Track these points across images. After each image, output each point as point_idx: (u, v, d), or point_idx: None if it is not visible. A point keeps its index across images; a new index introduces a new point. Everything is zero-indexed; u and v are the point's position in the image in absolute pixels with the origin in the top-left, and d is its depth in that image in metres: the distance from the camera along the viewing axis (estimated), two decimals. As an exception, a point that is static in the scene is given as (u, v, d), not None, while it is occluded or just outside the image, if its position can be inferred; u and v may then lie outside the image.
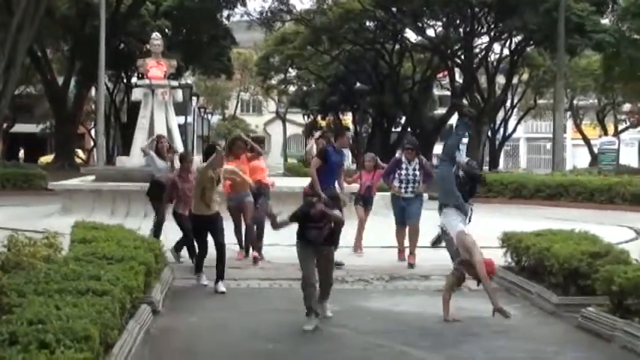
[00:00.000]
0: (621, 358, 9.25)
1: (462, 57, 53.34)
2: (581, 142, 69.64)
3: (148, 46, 27.10)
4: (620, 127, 70.02)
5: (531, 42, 50.83)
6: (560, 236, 13.09)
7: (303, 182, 16.12)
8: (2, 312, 7.52)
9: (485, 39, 53.83)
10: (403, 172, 15.26)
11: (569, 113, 66.84)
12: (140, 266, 10.26)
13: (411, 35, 56.57)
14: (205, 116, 73.92)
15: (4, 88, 38.22)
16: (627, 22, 45.62)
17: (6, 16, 38.98)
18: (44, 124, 68.30)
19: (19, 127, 67.43)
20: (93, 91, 55.35)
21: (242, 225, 15.26)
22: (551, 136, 47.64)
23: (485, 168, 53.14)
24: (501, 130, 61.04)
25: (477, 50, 54.34)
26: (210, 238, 13.05)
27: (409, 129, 58.86)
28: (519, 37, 52.07)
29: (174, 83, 26.27)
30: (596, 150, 51.77)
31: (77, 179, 25.37)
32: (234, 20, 58.70)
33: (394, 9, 51.37)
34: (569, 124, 73.02)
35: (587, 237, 13.00)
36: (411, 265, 14.88)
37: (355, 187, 16.79)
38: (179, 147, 25.05)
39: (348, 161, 15.35)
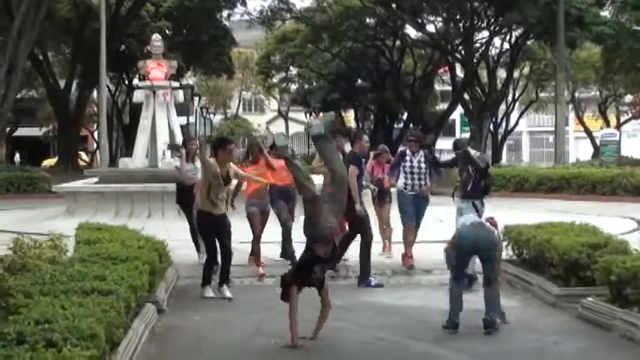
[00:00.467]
0: (620, 347, 9.38)
1: (463, 52, 53.41)
2: (584, 134, 69.63)
3: (149, 48, 27.22)
4: (622, 119, 70.05)
5: (531, 35, 50.92)
6: (560, 228, 13.19)
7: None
8: (9, 312, 7.63)
9: (486, 33, 53.93)
10: (407, 164, 14.42)
11: (570, 106, 66.87)
12: (144, 266, 10.37)
13: (411, 31, 56.79)
14: (207, 116, 74.00)
15: (6, 92, 38.49)
16: (627, 14, 45.64)
17: (7, 21, 39.28)
18: (47, 127, 68.49)
19: (22, 131, 67.57)
20: (95, 93, 55.49)
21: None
22: (553, 129, 47.64)
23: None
24: (503, 123, 61.09)
25: (478, 45, 54.41)
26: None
27: (411, 124, 58.97)
28: (519, 31, 52.18)
29: (176, 84, 26.36)
30: (598, 142, 51.82)
31: (81, 181, 25.50)
32: (234, 20, 58.85)
33: (394, 5, 51.45)
34: (571, 116, 73.05)
35: (587, 229, 13.11)
36: (411, 267, 14.42)
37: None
38: (182, 149, 25.21)
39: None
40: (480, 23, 52.25)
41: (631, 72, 50.98)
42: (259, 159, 14.41)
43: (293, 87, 72.41)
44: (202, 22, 54.03)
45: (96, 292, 8.39)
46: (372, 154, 16.14)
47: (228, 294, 12.23)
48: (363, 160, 14.37)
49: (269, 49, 63.20)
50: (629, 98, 67.39)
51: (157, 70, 25.14)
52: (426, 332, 10.09)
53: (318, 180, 12.86)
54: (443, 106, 65.62)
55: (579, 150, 76.39)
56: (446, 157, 14.98)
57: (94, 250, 11.10)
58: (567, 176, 32.79)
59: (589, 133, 66.70)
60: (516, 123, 62.88)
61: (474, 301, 11.75)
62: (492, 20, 51.76)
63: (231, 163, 12.64)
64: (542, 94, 66.30)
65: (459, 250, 10.35)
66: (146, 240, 12.49)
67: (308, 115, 73.88)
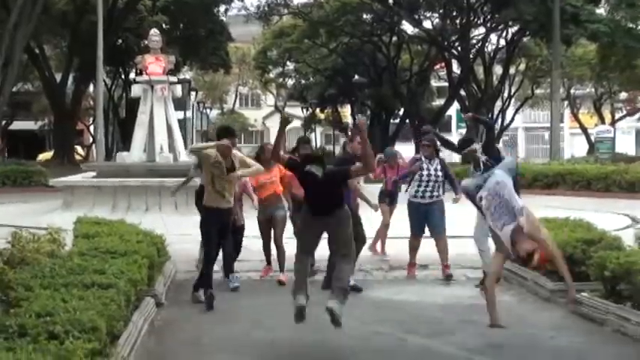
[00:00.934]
0: (614, 341, 9.51)
1: (459, 48, 53.55)
2: (579, 130, 69.77)
3: (147, 42, 27.28)
4: (616, 116, 70.19)
5: (527, 32, 51.09)
6: (555, 224, 13.30)
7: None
8: (10, 305, 7.72)
9: (482, 30, 54.09)
10: (425, 172, 13.56)
11: (566, 102, 67.06)
12: (144, 260, 10.47)
13: (408, 27, 56.91)
14: (204, 111, 74.05)
15: (2, 86, 38.54)
16: (622, 12, 45.82)
17: (3, 14, 39.29)
18: (42, 120, 68.45)
19: (17, 125, 67.51)
20: (91, 87, 55.50)
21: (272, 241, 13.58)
22: (548, 125, 47.82)
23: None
24: (499, 120, 61.19)
25: (474, 41, 54.58)
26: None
27: (407, 120, 59.08)
28: (515, 28, 52.35)
29: (173, 79, 26.44)
30: (593, 139, 51.99)
31: (78, 175, 25.56)
32: (231, 14, 59.04)
33: (391, 1, 51.64)
34: (567, 113, 73.21)
35: (581, 224, 13.23)
36: (449, 277, 13.49)
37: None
38: (179, 143, 25.32)
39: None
40: (476, 20, 52.41)
41: (626, 69, 51.19)
42: (273, 166, 13.05)
43: (290, 82, 72.44)
44: (199, 17, 54.08)
45: (96, 286, 8.49)
46: (377, 157, 15.36)
47: (236, 284, 12.46)
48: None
49: (266, 44, 63.25)
50: (623, 95, 67.56)
51: (155, 64, 25.20)
52: (422, 326, 10.20)
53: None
54: (439, 102, 65.74)
55: (574, 146, 76.59)
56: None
57: (92, 244, 11.18)
58: (562, 172, 32.95)
59: (584, 129, 66.85)
60: (512, 119, 63.00)
61: (467, 295, 11.92)
62: (489, 17, 51.93)
63: (237, 152, 11.78)
64: (537, 91, 66.42)
65: None
66: (144, 234, 12.57)
67: (304, 111, 73.96)
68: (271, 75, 69.14)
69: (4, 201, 27.26)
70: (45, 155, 62.02)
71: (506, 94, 61.50)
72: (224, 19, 57.81)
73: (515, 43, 53.53)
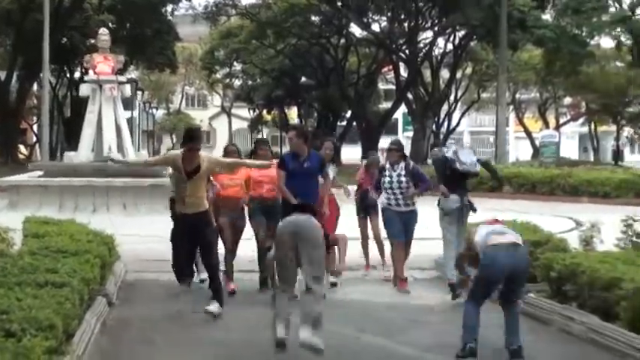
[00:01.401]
0: (559, 340, 9.75)
1: (407, 51, 53.91)
2: (524, 135, 70.58)
3: (94, 41, 27.17)
4: (561, 121, 71.09)
5: (474, 37, 51.58)
6: (502, 226, 13.51)
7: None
8: (-36, 304, 7.70)
9: (430, 34, 54.57)
10: (387, 179, 12.92)
11: (511, 107, 67.76)
12: (96, 259, 10.48)
13: (356, 30, 57.19)
14: (150, 111, 73.76)
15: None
16: (567, 18, 46.45)
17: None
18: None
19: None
20: (35, 85, 54.97)
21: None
22: (494, 129, 48.31)
23: (429, 161, 53.69)
24: (445, 123, 61.68)
25: (422, 45, 54.98)
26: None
27: (354, 123, 59.34)
28: (463, 32, 52.81)
29: (122, 79, 26.40)
30: (537, 143, 52.62)
31: (24, 175, 25.39)
32: (178, 14, 58.74)
33: (339, 3, 51.80)
34: (512, 117, 74.00)
35: (528, 227, 13.46)
36: (407, 292, 12.74)
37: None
38: (128, 143, 25.26)
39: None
40: (424, 23, 52.81)
41: (571, 75, 51.84)
42: (237, 168, 12.39)
43: (237, 83, 72.41)
44: (146, 16, 53.73)
45: (50, 285, 8.49)
46: (362, 162, 14.98)
47: (213, 309, 10.68)
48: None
49: (213, 45, 63.17)
50: (568, 100, 68.43)
51: (103, 64, 25.13)
52: (374, 325, 10.33)
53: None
54: (386, 104, 66.10)
55: (519, 150, 77.45)
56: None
57: (43, 243, 11.14)
58: (508, 176, 33.29)
59: (529, 133, 67.63)
60: (458, 122, 63.58)
61: (417, 295, 12.09)
62: (436, 21, 52.36)
63: (208, 156, 11.07)
64: (483, 95, 67.10)
65: (489, 279, 9.00)
66: (94, 234, 12.56)
67: (251, 112, 73.91)
68: (218, 75, 69.07)
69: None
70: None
71: (452, 98, 62.06)
72: (171, 18, 57.54)
73: (462, 47, 54.05)
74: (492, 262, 8.82)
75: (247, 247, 13.22)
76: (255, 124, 76.05)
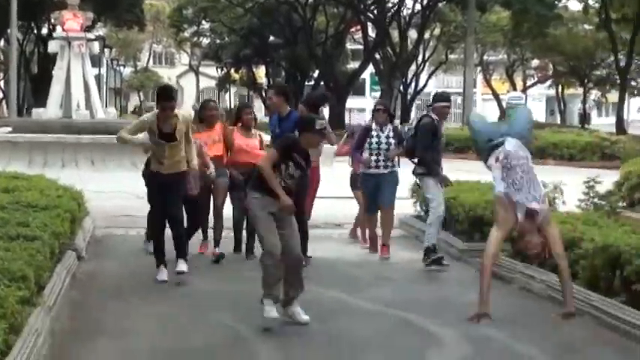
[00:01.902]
0: (519, 297, 10.03)
1: (375, 12, 53.90)
2: (491, 96, 70.93)
3: (62, -2, 27.11)
4: (528, 83, 71.49)
5: (443, -2, 51.62)
6: (466, 186, 13.78)
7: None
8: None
9: (398, -6, 54.46)
10: (374, 140, 12.26)
11: (479, 68, 68.03)
12: (66, 214, 10.61)
13: (324, -12, 56.92)
14: (118, 68, 73.37)
15: None
16: (535, -21, 46.59)
17: None
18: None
19: None
20: (1, 42, 54.48)
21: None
22: (461, 90, 48.55)
23: (397, 122, 53.96)
24: (413, 84, 61.84)
25: (390, 5, 54.93)
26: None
27: (322, 83, 59.35)
28: (431, -7, 52.82)
29: (91, 36, 26.39)
30: (504, 105, 52.95)
31: (-7, 131, 25.35)
32: (146, -29, 58.30)
33: (308, -38, 51.60)
34: (479, 78, 74.29)
35: (492, 187, 13.65)
36: (386, 259, 12.29)
37: None
38: (96, 100, 25.28)
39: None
40: (392, -16, 52.74)
41: (538, 37, 52.12)
42: (214, 122, 11.99)
43: (205, 41, 72.06)
44: (115, -27, 53.32)
45: (21, 238, 8.59)
46: (345, 134, 14.41)
47: (182, 267, 10.31)
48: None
49: (181, 2, 62.79)
50: (535, 63, 68.79)
51: (72, 20, 25.09)
52: (339, 282, 10.58)
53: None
54: (354, 64, 66.12)
55: (487, 112, 77.79)
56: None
57: (13, 197, 11.19)
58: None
59: (496, 95, 67.97)
60: (425, 84, 63.72)
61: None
62: (405, -19, 52.30)
63: (184, 115, 10.63)
64: (451, 56, 67.26)
65: None
66: (64, 189, 12.66)
67: (219, 70, 73.69)
68: (186, 34, 68.70)
69: None
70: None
71: (420, 59, 62.13)
72: (139, -25, 57.13)
73: (430, 8, 54.08)
74: None
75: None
76: (223, 82, 75.88)
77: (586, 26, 58.01)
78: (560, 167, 27.92)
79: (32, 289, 7.46)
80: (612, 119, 55.77)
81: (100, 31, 62.83)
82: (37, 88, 51.47)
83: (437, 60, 67.25)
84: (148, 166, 10.91)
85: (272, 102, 11.51)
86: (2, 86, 61.63)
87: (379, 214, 12.63)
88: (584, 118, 64.14)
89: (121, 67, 76.66)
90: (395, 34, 56.55)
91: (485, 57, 69.13)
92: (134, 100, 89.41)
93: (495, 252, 8.82)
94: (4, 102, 55.49)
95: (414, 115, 70.19)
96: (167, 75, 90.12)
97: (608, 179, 14.74)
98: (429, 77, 66.79)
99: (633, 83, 59.42)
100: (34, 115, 25.82)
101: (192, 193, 10.50)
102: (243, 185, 10.79)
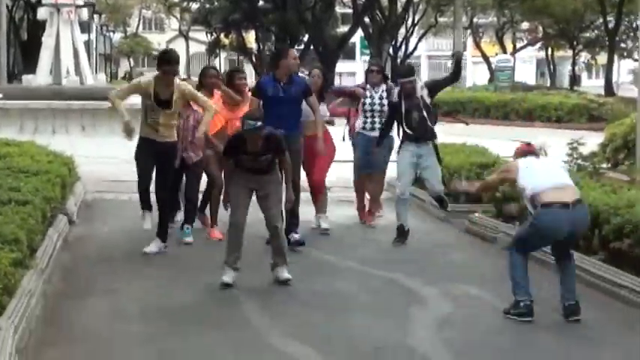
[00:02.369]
0: (501, 257, 10.16)
1: (364, -26, 53.72)
2: (481, 59, 70.89)
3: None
4: (518, 45, 71.44)
5: (432, -40, 51.51)
6: (452, 149, 13.98)
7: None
8: None
9: (387, -44, 54.29)
10: (368, 101, 11.95)
11: (469, 31, 67.96)
12: (57, 179, 10.79)
13: (313, -48, 56.71)
14: (107, 34, 73.14)
15: None
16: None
17: None
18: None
19: None
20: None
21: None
22: (451, 53, 48.57)
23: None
24: (403, 47, 61.76)
25: (379, -32, 54.79)
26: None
27: (312, 47, 59.30)
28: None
29: (80, 2, 26.36)
30: (494, 67, 53.08)
31: (-17, 97, 25.42)
32: None
33: None
34: (469, 41, 74.22)
35: (477, 150, 13.94)
36: (372, 227, 12.07)
37: None
38: (86, 66, 25.35)
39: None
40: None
41: (527, -1, 52.09)
42: (212, 87, 11.19)
43: (194, 6, 71.73)
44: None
45: (13, 202, 8.77)
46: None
47: (151, 248, 10.06)
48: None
49: (171, -33, 62.59)
50: (525, 25, 68.68)
51: (61, -13, 25.10)
52: (324, 243, 10.83)
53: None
54: (344, 28, 65.95)
55: (476, 74, 77.88)
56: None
57: (4, 163, 11.37)
58: (462, 100, 33.81)
59: (486, 58, 67.95)
60: (415, 47, 63.65)
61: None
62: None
63: (183, 84, 10.18)
64: (441, 19, 67.07)
65: (542, 240, 7.98)
66: (55, 155, 12.84)
67: (209, 35, 73.48)
68: (175, -1, 68.46)
69: None
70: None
71: (410, 22, 62.03)
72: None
73: (420, -30, 54.01)
74: (550, 226, 7.59)
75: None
76: (213, 48, 75.62)
77: (575, -12, 57.97)
78: (547, 129, 28.13)
79: (25, 251, 7.67)
80: (602, 81, 55.84)
81: (89, -4, 62.57)
82: (26, 54, 51.40)
83: (426, 23, 67.10)
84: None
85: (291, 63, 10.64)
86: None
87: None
88: (574, 80, 64.21)
89: (111, 33, 76.40)
90: (384, -3, 56.44)
91: (474, 20, 68.98)
92: (124, 66, 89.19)
93: None
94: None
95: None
96: (157, 40, 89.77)
97: (594, 141, 14.96)
98: (419, 40, 66.66)
99: (623, 45, 59.38)
100: (24, 81, 25.90)
101: (191, 161, 10.57)
102: None
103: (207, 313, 7.80)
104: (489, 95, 34.85)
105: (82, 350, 6.77)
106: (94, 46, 66.07)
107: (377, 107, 11.95)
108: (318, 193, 11.72)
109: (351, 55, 78.08)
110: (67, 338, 7.01)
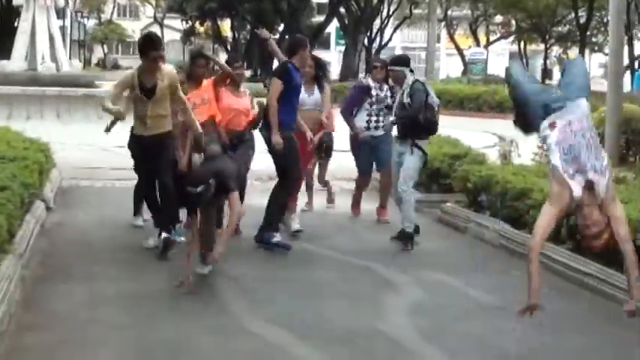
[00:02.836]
0: (472, 246, 10.49)
1: (340, -35, 53.83)
2: (455, 51, 71.12)
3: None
4: (491, 38, 71.74)
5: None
6: (424, 140, 14.12)
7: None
8: None
9: (363, -53, 54.41)
10: (374, 99, 11.63)
11: (443, 23, 68.18)
12: (34, 165, 10.86)
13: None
14: (81, 20, 72.83)
15: None
16: None
17: None
18: None
19: None
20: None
21: None
22: (425, 45, 48.82)
23: (361, 75, 54.11)
24: (377, 38, 61.91)
25: (354, -42, 54.88)
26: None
27: (287, 37, 59.31)
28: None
29: (56, -13, 26.36)
30: (467, 60, 53.33)
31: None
32: None
33: None
34: (443, 33, 74.46)
35: (449, 141, 14.10)
36: (386, 222, 11.73)
37: None
38: (62, 52, 25.32)
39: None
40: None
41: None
42: (201, 77, 10.40)
43: (169, -7, 71.64)
44: None
45: (-9, 188, 8.88)
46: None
47: (150, 243, 9.75)
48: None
49: (146, -46, 62.37)
50: (498, 19, 68.98)
51: (37, -29, 25.05)
52: (308, 234, 10.85)
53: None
54: (319, 18, 66.03)
55: (450, 66, 78.11)
56: None
57: (-20, 149, 11.45)
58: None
59: (460, 50, 68.20)
60: (390, 38, 63.79)
61: (343, 205, 12.62)
62: None
63: (168, 69, 9.52)
64: (416, 11, 67.21)
65: None
66: (31, 141, 12.88)
67: (184, 23, 73.31)
68: (150, -15, 68.24)
69: None
70: None
71: (385, 13, 62.17)
72: None
73: (395, -38, 54.13)
74: None
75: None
76: (188, 35, 75.49)
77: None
78: (520, 122, 28.30)
79: (4, 236, 7.77)
80: (574, 75, 56.09)
81: (64, -18, 62.32)
82: (0, 40, 51.13)
83: (401, 14, 67.24)
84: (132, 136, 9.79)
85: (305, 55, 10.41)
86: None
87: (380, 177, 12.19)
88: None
89: (85, 20, 76.07)
90: (360, -12, 56.55)
91: (449, 12, 69.23)
92: (98, 53, 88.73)
93: (543, 235, 6.63)
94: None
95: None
96: (131, 27, 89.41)
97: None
98: (394, 32, 66.84)
99: (594, 39, 59.80)
100: (-2, 67, 25.88)
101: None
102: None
103: (185, 300, 7.89)
104: (462, 87, 35.07)
105: (60, 334, 6.85)
106: (69, 32, 65.82)
107: (382, 105, 11.61)
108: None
109: (326, 45, 78.14)
110: (45, 323, 7.11)
